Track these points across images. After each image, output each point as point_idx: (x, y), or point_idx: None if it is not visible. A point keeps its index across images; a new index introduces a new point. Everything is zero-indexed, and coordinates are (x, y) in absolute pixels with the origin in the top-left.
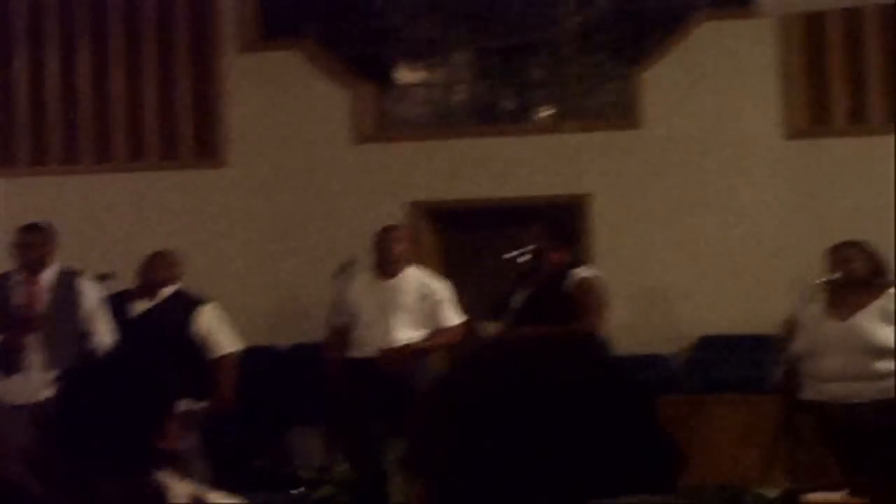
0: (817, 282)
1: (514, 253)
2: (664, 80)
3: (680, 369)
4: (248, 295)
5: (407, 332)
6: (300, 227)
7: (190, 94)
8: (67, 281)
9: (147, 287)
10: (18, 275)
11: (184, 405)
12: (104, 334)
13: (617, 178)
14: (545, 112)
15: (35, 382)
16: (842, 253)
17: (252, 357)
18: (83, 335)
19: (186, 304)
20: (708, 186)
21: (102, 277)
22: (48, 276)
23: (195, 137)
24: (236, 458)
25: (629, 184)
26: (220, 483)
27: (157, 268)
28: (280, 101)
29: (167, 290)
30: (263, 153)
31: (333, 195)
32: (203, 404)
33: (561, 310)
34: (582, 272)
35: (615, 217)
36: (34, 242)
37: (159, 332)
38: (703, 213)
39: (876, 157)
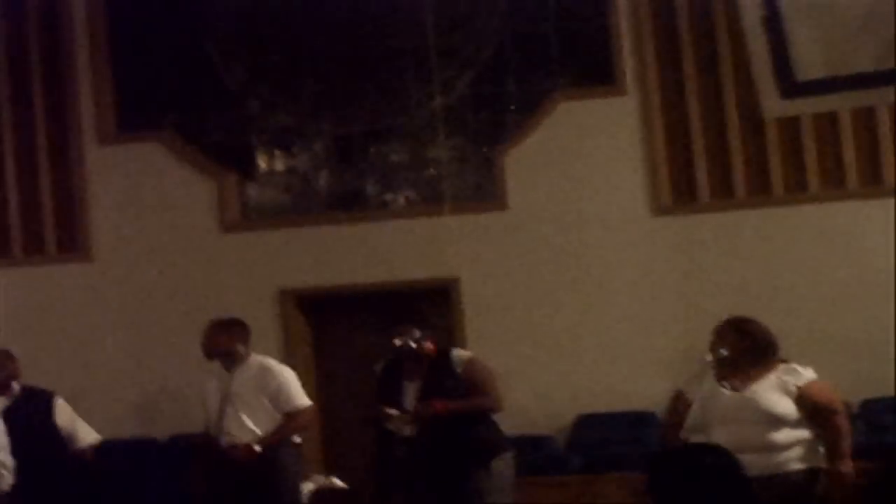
0: (707, 359)
1: (402, 340)
2: (527, 161)
3: (563, 449)
4: (121, 387)
5: (250, 421)
6: (170, 317)
7: (51, 190)
8: None
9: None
10: None
11: None
12: None
13: (485, 261)
14: (407, 196)
15: None
16: (728, 330)
17: (126, 448)
18: None
19: (42, 399)
20: (577, 265)
21: None
22: None
23: (59, 232)
24: None
25: (498, 265)
26: None
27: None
28: (142, 192)
29: (16, 386)
30: (129, 245)
31: (202, 284)
32: None
33: (460, 391)
34: (462, 353)
35: (485, 299)
36: None
37: (27, 427)
38: (573, 291)
39: (742, 230)
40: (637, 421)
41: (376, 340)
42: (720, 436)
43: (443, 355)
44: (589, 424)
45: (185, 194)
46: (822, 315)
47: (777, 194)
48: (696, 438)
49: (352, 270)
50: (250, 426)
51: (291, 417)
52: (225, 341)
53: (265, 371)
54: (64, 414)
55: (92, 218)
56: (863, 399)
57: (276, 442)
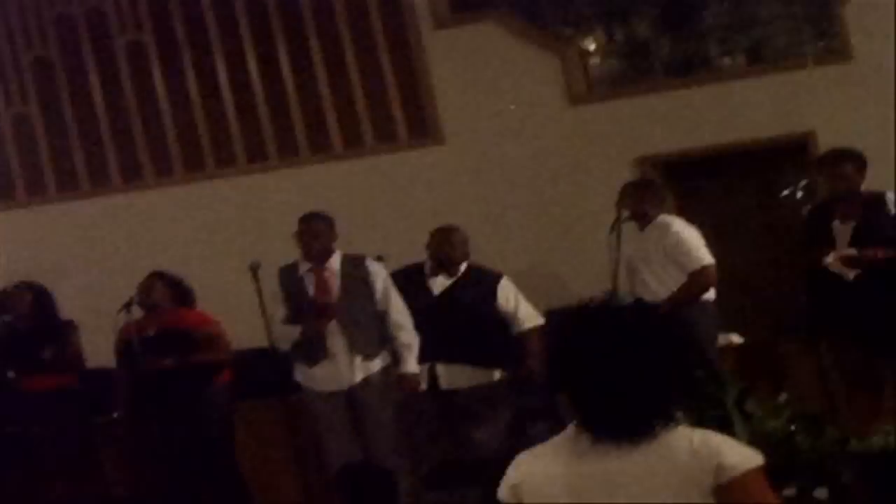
0: None
1: (789, 191)
2: (871, 12)
3: None
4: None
5: (654, 281)
6: (524, 191)
7: (394, 78)
8: (354, 265)
9: (442, 263)
10: (305, 265)
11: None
12: (399, 313)
13: (838, 114)
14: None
15: (342, 369)
16: None
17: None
18: (379, 316)
19: (486, 279)
20: None
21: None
22: (334, 262)
23: (408, 119)
24: None
25: (847, 119)
26: None
27: (450, 244)
28: (484, 73)
29: (462, 266)
30: (478, 126)
31: (557, 158)
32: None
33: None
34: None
35: None
36: (319, 231)
37: (466, 307)
38: None
39: None
40: None
41: (742, 200)
42: None
43: (876, 197)
44: None
45: (528, 71)
46: None
47: None
48: None
49: (705, 134)
50: (654, 286)
51: (695, 276)
52: (636, 203)
53: (665, 229)
54: (506, 294)
55: (439, 102)
56: None
57: (681, 301)
